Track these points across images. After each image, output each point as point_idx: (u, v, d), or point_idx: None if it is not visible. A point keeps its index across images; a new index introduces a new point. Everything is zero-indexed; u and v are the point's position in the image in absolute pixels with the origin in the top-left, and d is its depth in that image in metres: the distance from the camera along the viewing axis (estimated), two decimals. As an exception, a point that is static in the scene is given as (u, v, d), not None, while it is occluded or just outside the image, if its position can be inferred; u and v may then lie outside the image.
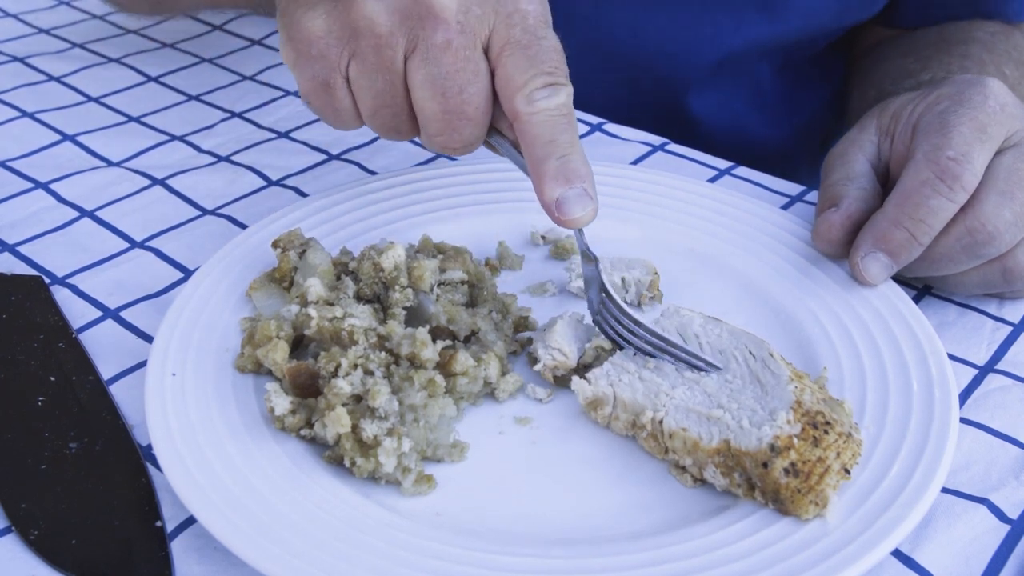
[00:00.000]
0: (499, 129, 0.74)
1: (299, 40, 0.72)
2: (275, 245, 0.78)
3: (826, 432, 0.61)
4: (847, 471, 0.61)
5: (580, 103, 1.13)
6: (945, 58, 1.09)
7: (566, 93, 0.70)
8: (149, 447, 0.65)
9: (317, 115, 0.76)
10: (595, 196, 0.69)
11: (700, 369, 0.68)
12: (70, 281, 0.84)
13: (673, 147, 1.05)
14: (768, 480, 0.60)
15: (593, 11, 1.19)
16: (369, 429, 0.62)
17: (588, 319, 0.75)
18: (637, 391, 0.67)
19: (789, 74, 1.26)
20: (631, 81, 1.21)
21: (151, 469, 0.65)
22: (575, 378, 0.69)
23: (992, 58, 1.09)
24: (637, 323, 0.70)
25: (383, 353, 0.67)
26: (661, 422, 0.65)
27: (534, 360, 0.72)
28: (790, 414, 0.62)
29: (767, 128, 1.28)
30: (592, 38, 1.20)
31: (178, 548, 0.60)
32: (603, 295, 0.72)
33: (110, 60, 1.25)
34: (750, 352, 0.69)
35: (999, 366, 0.76)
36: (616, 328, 0.71)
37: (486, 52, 0.71)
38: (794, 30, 1.19)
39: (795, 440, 0.61)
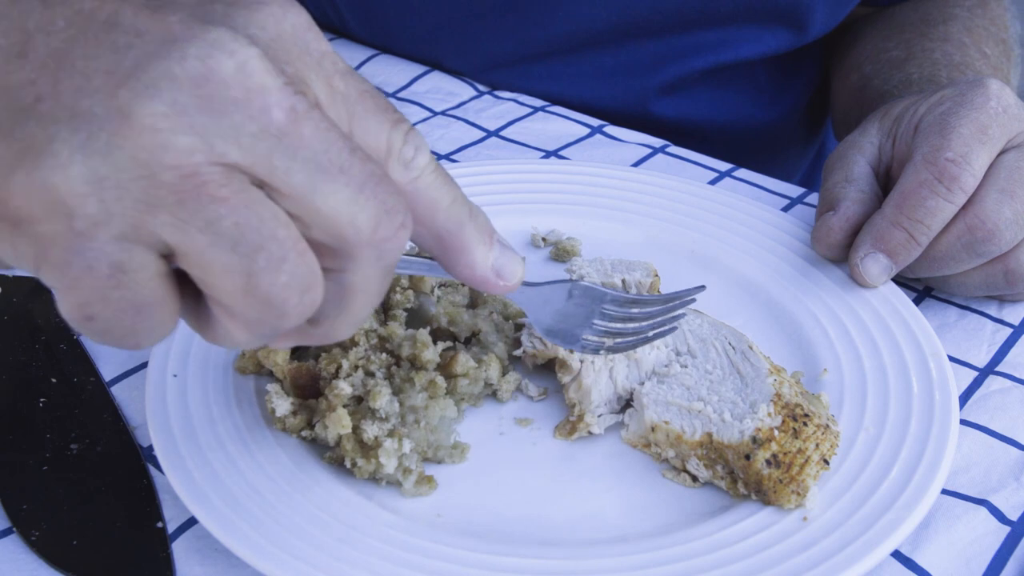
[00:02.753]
0: None
1: (40, 217, 0.40)
2: (276, 247, 0.78)
3: (805, 424, 0.62)
4: (826, 461, 0.62)
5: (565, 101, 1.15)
6: (927, 43, 1.09)
7: (418, 134, 0.49)
8: (150, 448, 0.65)
9: (95, 338, 0.44)
10: (507, 242, 0.55)
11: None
12: (71, 283, 0.83)
13: (674, 149, 1.05)
14: (750, 472, 0.61)
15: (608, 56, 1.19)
16: (370, 430, 0.62)
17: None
18: (597, 385, 0.68)
19: (777, 63, 1.26)
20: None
21: (152, 470, 0.65)
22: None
23: (972, 39, 1.09)
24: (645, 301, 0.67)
25: (384, 354, 0.68)
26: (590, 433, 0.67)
27: (518, 344, 0.73)
28: (770, 406, 0.63)
29: (756, 111, 1.28)
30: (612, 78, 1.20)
31: (179, 549, 0.60)
32: (604, 306, 0.66)
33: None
34: (730, 344, 0.69)
35: (999, 368, 0.76)
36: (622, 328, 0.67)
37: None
38: (811, 36, 1.19)
39: (776, 432, 0.62)
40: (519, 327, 0.77)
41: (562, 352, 0.69)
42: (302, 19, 0.46)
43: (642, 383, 0.68)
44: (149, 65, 0.41)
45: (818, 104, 1.35)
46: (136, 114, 0.40)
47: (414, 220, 0.49)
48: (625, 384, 0.69)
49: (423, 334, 0.68)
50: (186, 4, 0.44)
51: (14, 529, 0.61)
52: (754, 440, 0.61)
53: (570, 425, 0.68)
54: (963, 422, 0.70)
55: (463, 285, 0.77)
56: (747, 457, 0.61)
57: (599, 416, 0.68)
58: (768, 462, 0.61)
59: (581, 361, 0.68)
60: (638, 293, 0.68)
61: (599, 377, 0.68)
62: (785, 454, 0.61)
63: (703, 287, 0.69)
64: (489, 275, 0.53)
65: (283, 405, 0.65)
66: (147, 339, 0.44)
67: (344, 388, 0.64)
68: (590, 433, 0.68)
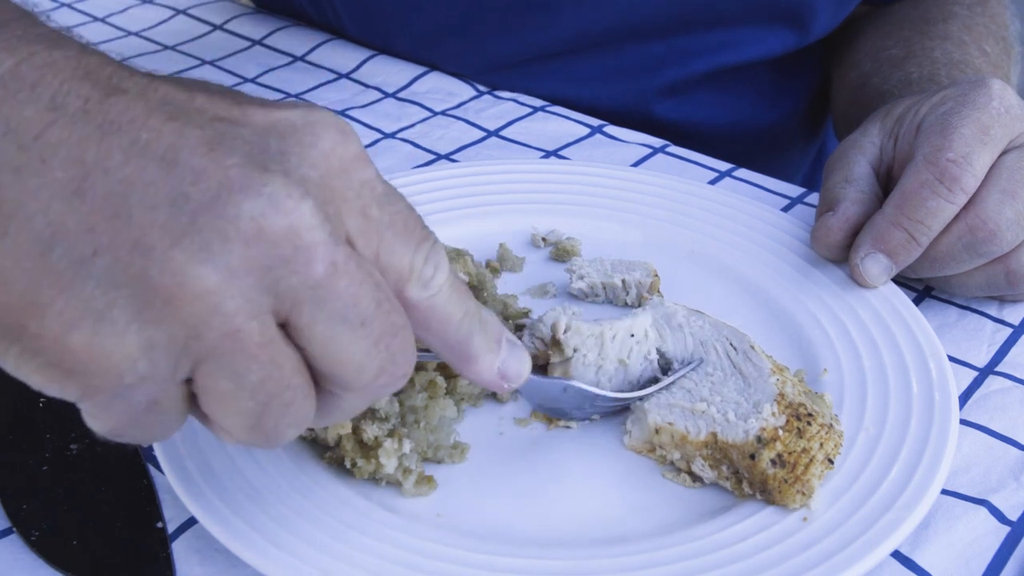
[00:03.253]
0: None
1: (94, 373, 0.43)
2: (276, 247, 0.78)
3: (809, 423, 0.63)
4: (830, 461, 0.62)
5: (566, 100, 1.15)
6: (927, 41, 1.09)
7: (441, 248, 0.53)
8: (150, 448, 0.65)
9: (117, 439, 0.49)
10: (516, 340, 0.57)
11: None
12: (71, 282, 0.84)
13: (674, 149, 1.05)
14: (756, 471, 0.61)
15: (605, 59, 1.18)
16: (370, 430, 0.62)
17: (579, 311, 0.75)
18: (584, 377, 0.68)
19: (779, 65, 1.26)
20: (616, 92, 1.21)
21: (152, 470, 0.65)
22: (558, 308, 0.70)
23: (972, 37, 1.09)
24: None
25: (384, 354, 0.67)
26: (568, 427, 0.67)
27: None
28: (774, 406, 0.63)
29: (757, 114, 1.28)
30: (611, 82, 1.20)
31: (179, 549, 0.60)
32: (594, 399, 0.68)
33: (111, 62, 1.25)
34: (731, 345, 0.69)
35: (999, 368, 0.76)
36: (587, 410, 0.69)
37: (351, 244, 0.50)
38: (813, 37, 1.19)
39: (780, 432, 0.62)
40: (519, 327, 0.77)
41: (560, 333, 0.69)
42: (351, 150, 0.48)
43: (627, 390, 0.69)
44: (204, 223, 0.42)
45: (819, 105, 1.35)
46: (189, 282, 0.42)
47: (429, 332, 0.52)
48: (608, 387, 0.69)
49: (423, 334, 0.68)
50: (244, 136, 0.45)
51: (14, 529, 0.61)
52: (758, 440, 0.61)
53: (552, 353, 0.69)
54: (963, 422, 0.71)
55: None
56: (752, 457, 0.61)
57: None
58: (773, 462, 0.61)
59: (575, 350, 0.68)
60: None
61: (586, 372, 0.68)
62: (790, 454, 0.61)
63: (702, 360, 0.69)
64: (495, 379, 0.56)
65: (283, 405, 0.65)
66: (162, 439, 0.50)
67: (344, 388, 0.64)
68: (567, 426, 0.69)
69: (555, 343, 0.69)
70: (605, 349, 0.69)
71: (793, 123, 1.33)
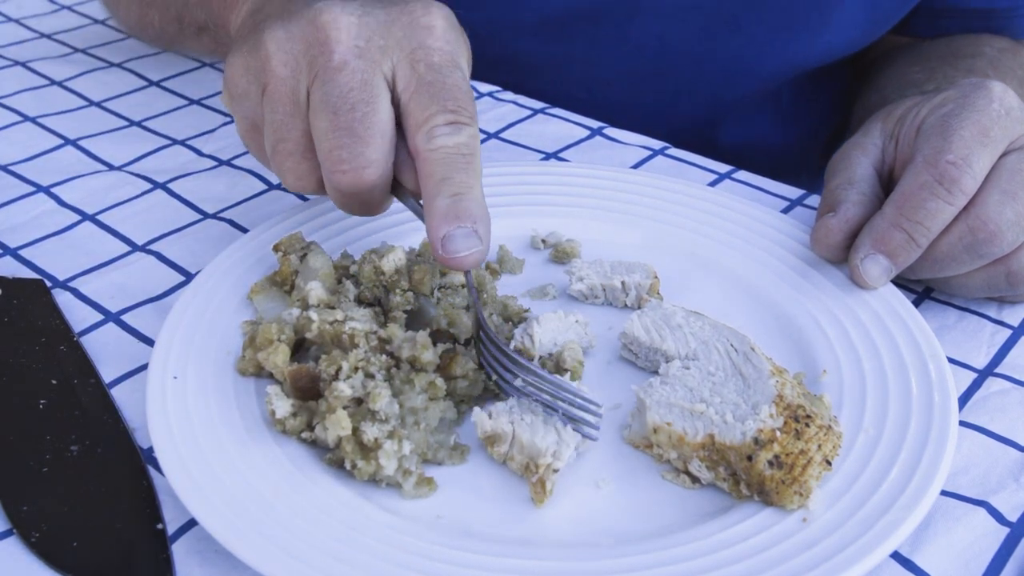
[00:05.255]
0: (404, 184, 0.72)
1: (227, 80, 0.72)
2: (276, 249, 0.79)
3: (807, 425, 0.63)
4: (828, 463, 0.62)
5: (606, 115, 1.15)
6: (951, 71, 1.10)
7: (468, 133, 0.68)
8: (150, 450, 0.65)
9: (258, 159, 0.76)
10: (486, 239, 0.67)
11: (582, 419, 0.64)
12: (72, 285, 0.84)
13: (673, 151, 1.05)
14: (753, 473, 0.61)
15: (621, 32, 1.19)
16: (370, 432, 0.62)
17: (585, 320, 0.75)
18: (537, 433, 0.64)
19: (802, 83, 1.26)
20: (664, 110, 1.22)
21: (152, 472, 0.65)
22: (476, 409, 0.66)
23: (996, 74, 1.10)
24: (516, 362, 0.66)
25: (384, 356, 0.68)
26: (556, 471, 0.63)
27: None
28: (772, 408, 0.63)
29: (775, 135, 1.28)
30: (623, 62, 1.21)
31: (179, 551, 0.60)
32: (481, 333, 0.69)
33: (112, 65, 1.26)
34: (732, 346, 0.69)
35: (998, 369, 0.76)
36: (498, 370, 0.67)
37: (392, 88, 0.69)
38: (827, 49, 1.20)
39: (778, 433, 0.62)
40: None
41: (488, 427, 0.65)
42: (436, 24, 0.70)
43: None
44: (294, 13, 0.71)
45: (842, 138, 1.36)
46: (265, 40, 0.70)
47: (419, 179, 0.68)
48: (553, 419, 0.65)
49: (423, 336, 0.68)
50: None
51: (14, 530, 0.61)
52: (756, 441, 0.61)
53: (539, 484, 0.63)
54: (962, 423, 0.71)
55: (462, 287, 0.77)
56: (749, 458, 0.61)
57: (553, 452, 0.63)
58: (770, 463, 0.61)
59: (511, 423, 0.65)
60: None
61: (534, 425, 0.64)
62: (787, 455, 0.61)
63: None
64: (435, 241, 0.66)
65: (283, 407, 0.65)
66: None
67: (344, 390, 0.64)
68: (555, 471, 0.63)
69: (492, 439, 0.65)
70: None
71: (810, 149, 1.34)
